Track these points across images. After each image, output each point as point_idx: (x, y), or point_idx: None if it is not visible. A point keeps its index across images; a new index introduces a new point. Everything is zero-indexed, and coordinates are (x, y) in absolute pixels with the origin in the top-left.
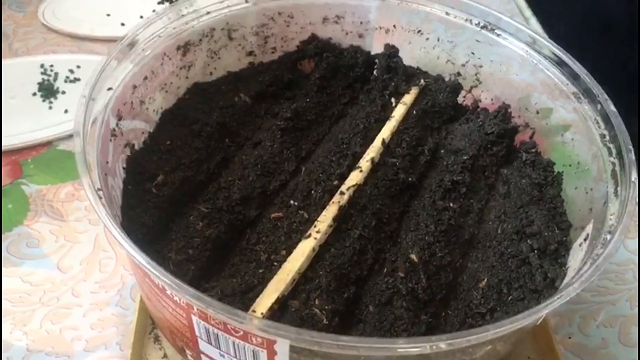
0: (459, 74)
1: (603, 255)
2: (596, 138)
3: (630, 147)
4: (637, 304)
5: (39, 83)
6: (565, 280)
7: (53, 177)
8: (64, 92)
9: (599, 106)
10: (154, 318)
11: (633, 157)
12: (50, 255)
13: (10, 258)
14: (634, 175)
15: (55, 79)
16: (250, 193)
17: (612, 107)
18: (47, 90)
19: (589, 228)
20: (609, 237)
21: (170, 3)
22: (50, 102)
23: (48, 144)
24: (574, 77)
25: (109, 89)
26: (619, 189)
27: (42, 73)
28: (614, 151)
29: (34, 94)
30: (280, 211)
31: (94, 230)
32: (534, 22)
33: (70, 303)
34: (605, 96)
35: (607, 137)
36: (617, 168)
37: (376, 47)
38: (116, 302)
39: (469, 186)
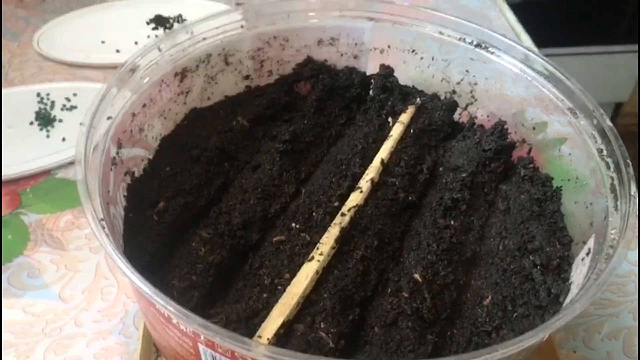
0: (454, 91)
1: (606, 270)
2: (594, 152)
3: (629, 161)
4: (638, 315)
5: (36, 112)
6: (570, 296)
7: (52, 206)
8: (61, 121)
9: (595, 121)
10: (158, 346)
11: (632, 171)
12: (52, 285)
13: (10, 289)
14: (634, 189)
15: (52, 108)
16: (251, 217)
17: (609, 122)
18: (44, 119)
19: (591, 242)
20: (611, 251)
21: (165, 29)
22: (48, 131)
23: (46, 172)
24: (568, 92)
25: (109, 117)
26: (618, 203)
27: (38, 102)
28: (612, 165)
29: (31, 123)
30: (282, 234)
31: (95, 258)
32: (525, 37)
33: (73, 333)
34: (601, 111)
35: (605, 152)
36: (616, 182)
37: (371, 68)
38: (119, 330)
39: (468, 203)
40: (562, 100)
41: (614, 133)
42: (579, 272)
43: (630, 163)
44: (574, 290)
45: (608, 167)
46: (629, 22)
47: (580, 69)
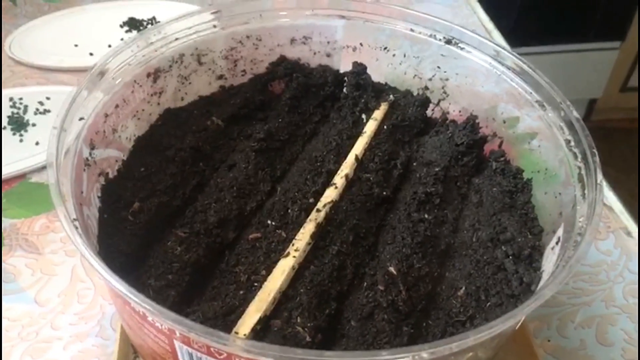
0: (426, 88)
1: (574, 257)
2: (562, 144)
3: (595, 150)
4: (611, 304)
5: (8, 117)
6: (541, 284)
7: (27, 210)
8: (34, 125)
9: (562, 113)
10: (135, 346)
11: (598, 160)
12: (27, 289)
13: None
14: (600, 178)
15: (24, 112)
16: (227, 215)
17: (575, 113)
18: (17, 124)
19: (560, 231)
20: (579, 239)
21: (138, 31)
22: (21, 135)
23: (20, 177)
24: (536, 86)
25: (81, 118)
26: (586, 191)
27: (11, 106)
28: (579, 155)
29: (4, 128)
30: (258, 232)
31: (71, 261)
32: (496, 34)
33: (49, 337)
34: (568, 102)
35: (572, 142)
36: (583, 172)
37: (344, 66)
38: (96, 332)
39: (442, 197)
40: (531, 93)
41: (580, 124)
42: (549, 261)
43: (597, 153)
44: (545, 278)
45: (575, 157)
46: (601, 19)
47: (553, 67)
